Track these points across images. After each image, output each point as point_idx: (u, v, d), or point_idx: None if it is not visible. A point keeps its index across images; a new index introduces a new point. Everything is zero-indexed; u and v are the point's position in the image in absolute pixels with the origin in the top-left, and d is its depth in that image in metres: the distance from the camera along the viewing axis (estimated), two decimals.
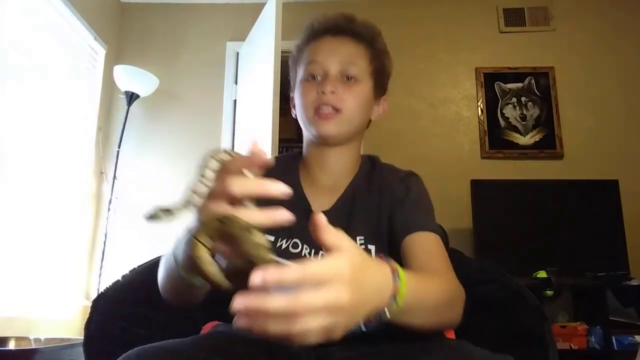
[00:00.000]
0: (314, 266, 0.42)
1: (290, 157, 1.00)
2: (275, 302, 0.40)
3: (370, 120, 0.97)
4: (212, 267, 0.47)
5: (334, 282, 0.42)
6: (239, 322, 0.41)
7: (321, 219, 0.45)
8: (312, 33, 0.95)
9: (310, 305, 0.41)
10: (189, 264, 0.54)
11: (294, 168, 0.97)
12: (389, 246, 0.84)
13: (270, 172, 0.84)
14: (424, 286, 0.61)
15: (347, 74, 0.89)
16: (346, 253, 0.45)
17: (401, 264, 0.76)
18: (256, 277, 0.39)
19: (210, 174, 0.53)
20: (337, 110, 0.87)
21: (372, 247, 0.84)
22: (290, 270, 0.40)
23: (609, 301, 2.35)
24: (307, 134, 0.95)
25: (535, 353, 0.74)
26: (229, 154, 0.55)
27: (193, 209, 0.53)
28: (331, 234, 0.45)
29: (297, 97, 0.94)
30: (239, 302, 0.40)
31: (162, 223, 0.53)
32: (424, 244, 0.80)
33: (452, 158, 2.92)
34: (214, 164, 0.54)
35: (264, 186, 0.51)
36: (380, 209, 0.88)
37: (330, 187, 0.92)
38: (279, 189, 0.50)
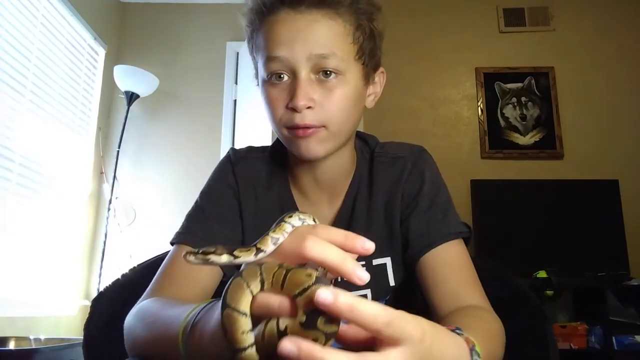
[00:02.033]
0: (395, 312, 0.35)
1: (273, 163, 0.83)
2: (368, 305, 0.34)
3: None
4: (245, 322, 0.37)
5: (405, 345, 0.35)
6: None
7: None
8: (262, 6, 0.69)
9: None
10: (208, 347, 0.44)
11: (282, 179, 0.81)
12: (404, 253, 0.74)
13: (256, 184, 0.80)
14: (490, 354, 0.53)
15: (324, 69, 0.66)
16: (413, 318, 0.37)
17: (416, 277, 0.72)
18: (325, 293, 0.33)
19: (289, 229, 0.44)
20: (317, 127, 0.68)
21: (386, 260, 0.76)
22: (368, 305, 0.34)
23: (609, 301, 2.35)
24: None
25: (536, 353, 0.74)
26: (314, 220, 0.47)
27: (258, 257, 0.43)
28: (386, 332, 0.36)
29: (262, 100, 0.73)
30: (290, 344, 0.33)
31: (214, 264, 0.45)
32: (450, 264, 0.70)
33: (452, 158, 2.92)
34: (297, 222, 0.45)
35: (346, 264, 0.39)
36: (390, 212, 0.76)
37: (327, 199, 0.80)
38: (363, 275, 0.39)
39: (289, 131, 0.69)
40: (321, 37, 0.66)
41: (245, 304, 0.38)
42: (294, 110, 0.66)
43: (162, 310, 0.59)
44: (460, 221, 0.75)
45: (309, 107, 0.66)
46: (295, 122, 0.67)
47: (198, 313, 0.49)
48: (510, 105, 3.04)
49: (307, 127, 0.67)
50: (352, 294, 0.41)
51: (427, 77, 3.14)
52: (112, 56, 3.06)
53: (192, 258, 0.43)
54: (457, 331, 0.45)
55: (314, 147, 0.68)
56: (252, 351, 0.37)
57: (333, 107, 0.67)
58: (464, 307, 0.64)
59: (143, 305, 0.65)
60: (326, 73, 0.67)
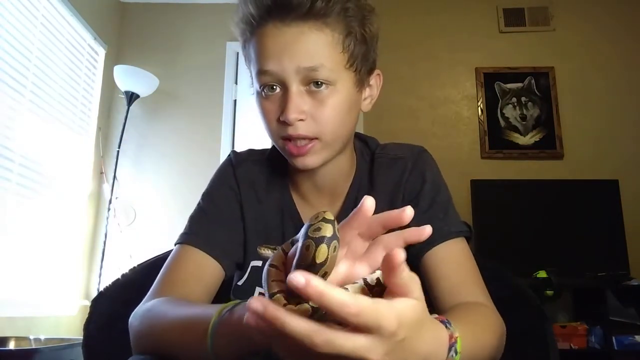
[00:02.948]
0: (367, 303, 0.34)
1: (273, 166, 0.83)
2: (296, 324, 0.34)
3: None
4: (275, 273, 0.44)
5: (375, 334, 0.35)
6: (250, 320, 0.36)
7: (399, 256, 0.36)
8: (251, 18, 0.69)
9: (334, 345, 0.35)
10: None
11: (282, 181, 0.82)
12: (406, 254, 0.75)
13: (258, 186, 0.81)
14: (478, 347, 0.52)
15: (314, 80, 0.66)
16: (409, 305, 0.38)
17: (419, 276, 0.73)
18: (298, 277, 0.33)
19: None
20: (311, 138, 0.68)
21: None
22: (338, 293, 0.34)
23: (609, 301, 2.35)
24: None
25: (536, 353, 0.74)
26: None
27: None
28: (404, 277, 0.37)
29: (258, 112, 0.73)
30: (258, 303, 0.34)
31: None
32: (451, 261, 0.70)
33: (452, 158, 2.92)
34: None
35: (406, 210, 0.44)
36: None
37: (327, 202, 0.80)
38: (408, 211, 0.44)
39: (284, 142, 0.70)
40: (308, 49, 0.65)
41: (277, 261, 0.46)
42: (286, 124, 0.67)
43: (181, 307, 0.60)
44: (460, 220, 0.76)
45: (300, 120, 0.67)
46: (288, 133, 0.67)
47: (236, 305, 0.51)
48: (510, 105, 3.04)
49: (299, 138, 0.68)
50: None
51: (427, 77, 3.14)
52: (112, 56, 3.06)
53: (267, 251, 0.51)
54: (447, 324, 0.45)
55: (309, 159, 0.69)
56: (279, 296, 0.42)
57: (325, 118, 0.67)
58: (463, 303, 0.65)
59: (155, 304, 0.65)
60: (317, 84, 0.66)
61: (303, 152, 0.68)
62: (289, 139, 0.68)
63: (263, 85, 0.69)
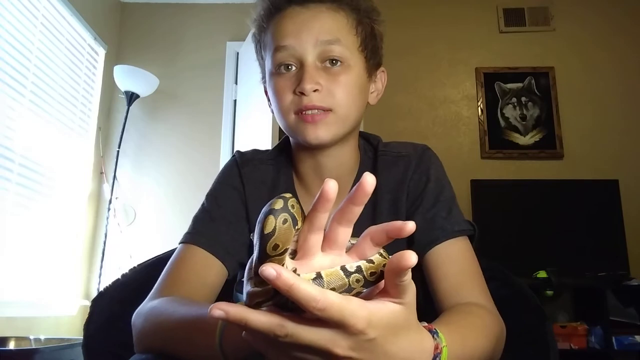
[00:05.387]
0: (334, 299, 0.35)
1: (278, 164, 0.84)
2: (257, 320, 0.36)
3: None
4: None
5: (340, 329, 0.37)
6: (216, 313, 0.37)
7: (411, 259, 0.36)
8: (271, 6, 0.74)
9: (296, 337, 0.37)
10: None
11: (287, 179, 0.82)
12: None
13: (263, 185, 0.81)
14: (467, 353, 0.51)
15: (330, 57, 0.70)
16: (388, 308, 0.39)
17: (422, 275, 0.73)
18: (270, 269, 0.34)
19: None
20: (325, 110, 0.70)
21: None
22: (307, 286, 0.34)
23: (609, 301, 2.35)
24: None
25: (536, 353, 0.73)
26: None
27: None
28: (405, 280, 0.38)
29: (270, 93, 0.76)
30: (219, 311, 0.36)
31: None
32: (452, 261, 0.70)
33: (452, 158, 2.92)
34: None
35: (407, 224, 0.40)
36: (395, 210, 0.76)
37: None
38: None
39: (297, 117, 0.71)
40: (326, 25, 0.70)
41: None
42: (302, 93, 0.69)
43: (187, 306, 0.60)
44: (464, 219, 0.76)
45: (316, 90, 0.69)
46: (303, 104, 0.69)
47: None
48: (510, 105, 3.04)
49: (315, 109, 0.69)
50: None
51: (427, 77, 3.14)
52: (112, 56, 3.06)
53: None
54: (434, 334, 0.45)
55: (321, 131, 0.70)
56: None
57: (339, 91, 0.70)
58: (461, 304, 0.65)
59: (159, 302, 0.65)
60: (332, 62, 0.70)
61: (317, 119, 0.70)
62: (303, 110, 0.70)
63: (279, 64, 0.71)
